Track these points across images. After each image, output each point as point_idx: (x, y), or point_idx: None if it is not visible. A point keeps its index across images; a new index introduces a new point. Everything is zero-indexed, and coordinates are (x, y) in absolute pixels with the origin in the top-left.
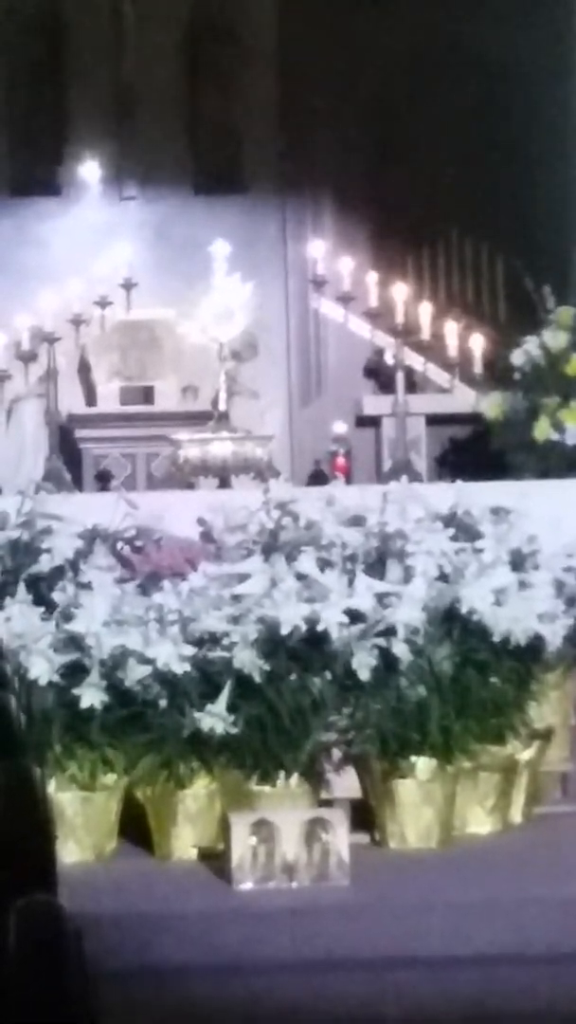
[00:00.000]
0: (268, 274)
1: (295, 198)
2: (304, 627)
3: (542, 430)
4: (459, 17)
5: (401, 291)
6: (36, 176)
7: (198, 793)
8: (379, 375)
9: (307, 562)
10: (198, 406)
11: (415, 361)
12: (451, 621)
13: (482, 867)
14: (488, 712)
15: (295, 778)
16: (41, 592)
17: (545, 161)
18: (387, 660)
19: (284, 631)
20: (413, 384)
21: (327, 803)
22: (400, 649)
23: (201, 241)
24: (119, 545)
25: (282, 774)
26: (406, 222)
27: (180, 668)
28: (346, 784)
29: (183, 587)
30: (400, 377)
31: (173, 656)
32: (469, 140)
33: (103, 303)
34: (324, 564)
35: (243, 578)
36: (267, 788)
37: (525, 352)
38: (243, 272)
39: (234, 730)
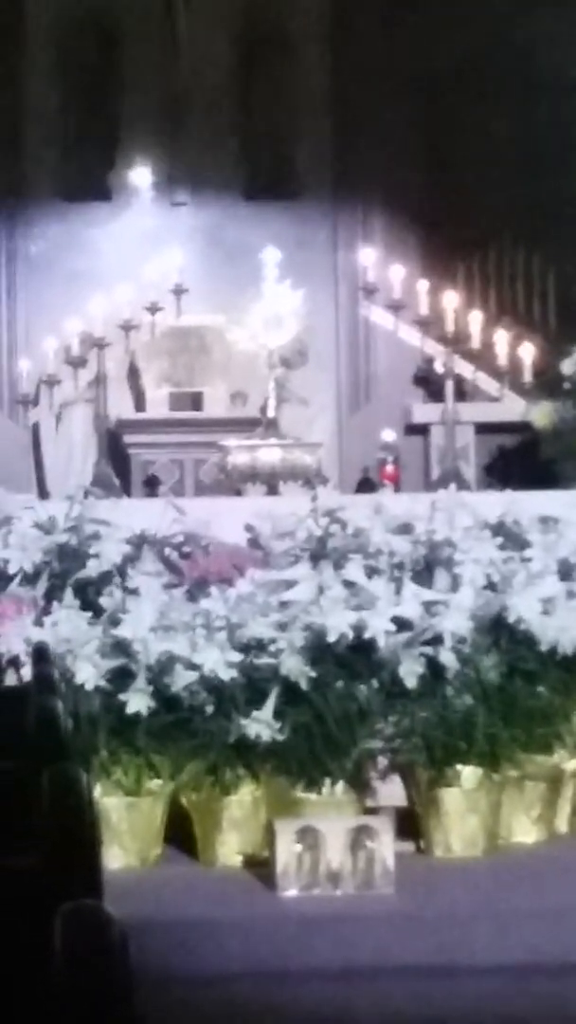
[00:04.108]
0: (318, 281)
1: (346, 205)
2: (351, 634)
3: None
4: (515, 24)
5: (451, 299)
6: (87, 181)
7: (243, 800)
8: (428, 383)
9: (355, 569)
10: (247, 413)
11: (465, 369)
12: (498, 630)
13: (527, 876)
14: (534, 721)
15: (341, 785)
16: (89, 597)
17: None
18: (434, 668)
19: (331, 638)
20: (463, 392)
21: (372, 811)
22: (447, 658)
23: (251, 247)
24: (167, 551)
25: (328, 781)
26: (457, 230)
27: (227, 674)
28: (391, 792)
29: (230, 593)
30: (450, 385)
31: (220, 662)
32: (522, 148)
33: (153, 309)
34: (372, 572)
35: (290, 585)
36: (313, 795)
37: (575, 361)
38: (293, 279)
39: (280, 737)
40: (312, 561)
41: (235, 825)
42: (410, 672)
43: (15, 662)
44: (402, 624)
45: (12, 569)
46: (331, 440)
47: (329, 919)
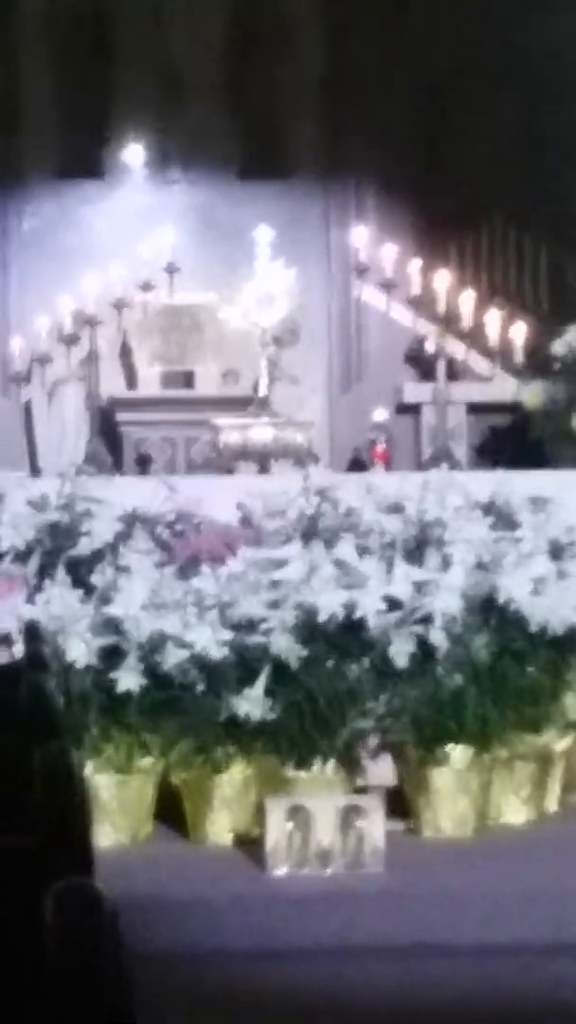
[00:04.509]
0: (310, 260)
1: (339, 184)
2: (342, 614)
3: None
4: (515, 8)
5: (443, 279)
6: (81, 159)
7: (234, 778)
8: (420, 363)
9: (346, 549)
10: (239, 391)
11: (456, 349)
12: (489, 610)
13: (517, 856)
14: (524, 701)
15: (331, 764)
16: (80, 575)
17: None
18: (424, 648)
19: (322, 617)
20: (454, 372)
21: (362, 790)
22: (437, 637)
23: (244, 226)
24: (158, 529)
25: (318, 760)
26: (450, 210)
27: (218, 653)
28: (382, 771)
29: (222, 572)
30: (441, 365)
31: (211, 641)
32: (515, 129)
33: (146, 287)
34: (363, 551)
35: (281, 564)
36: (303, 774)
37: (566, 342)
38: (286, 258)
39: (271, 716)
40: (303, 540)
41: (225, 803)
42: (400, 652)
43: (7, 640)
44: (393, 603)
45: (4, 547)
46: (322, 419)
47: (319, 898)
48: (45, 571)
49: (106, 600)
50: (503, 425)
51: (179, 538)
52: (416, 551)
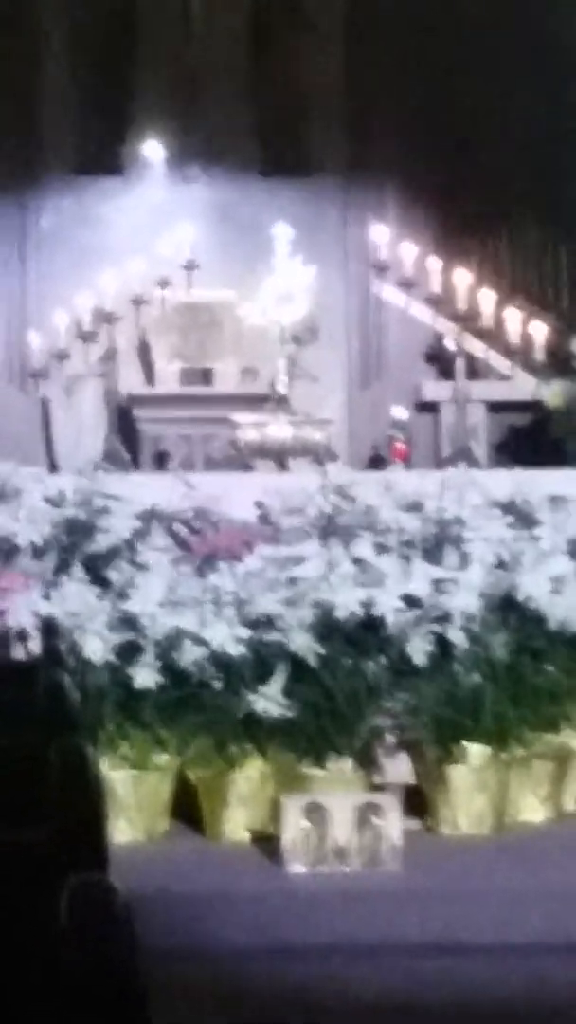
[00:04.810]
0: (329, 258)
1: (358, 182)
2: (360, 611)
3: None
4: (542, 8)
5: (463, 277)
6: (100, 155)
7: (250, 775)
8: (439, 361)
9: (364, 546)
10: (257, 389)
11: (476, 348)
12: (507, 608)
13: (534, 855)
14: (542, 700)
15: (348, 762)
16: (97, 571)
17: None
18: (442, 646)
19: (340, 615)
20: (474, 371)
21: (379, 788)
22: (456, 636)
23: (264, 223)
24: (176, 526)
25: (335, 758)
26: (470, 208)
27: (235, 650)
28: (399, 769)
29: (239, 569)
30: (461, 363)
31: (228, 638)
32: (536, 128)
33: (164, 284)
34: (381, 549)
35: (299, 561)
36: (320, 772)
37: None
38: (305, 255)
39: (288, 713)
40: (321, 538)
41: (242, 800)
42: (418, 650)
43: (24, 636)
44: (411, 602)
45: (21, 542)
46: (341, 417)
47: (335, 895)
48: (62, 567)
49: (123, 597)
50: (523, 424)
51: (197, 535)
52: (435, 549)
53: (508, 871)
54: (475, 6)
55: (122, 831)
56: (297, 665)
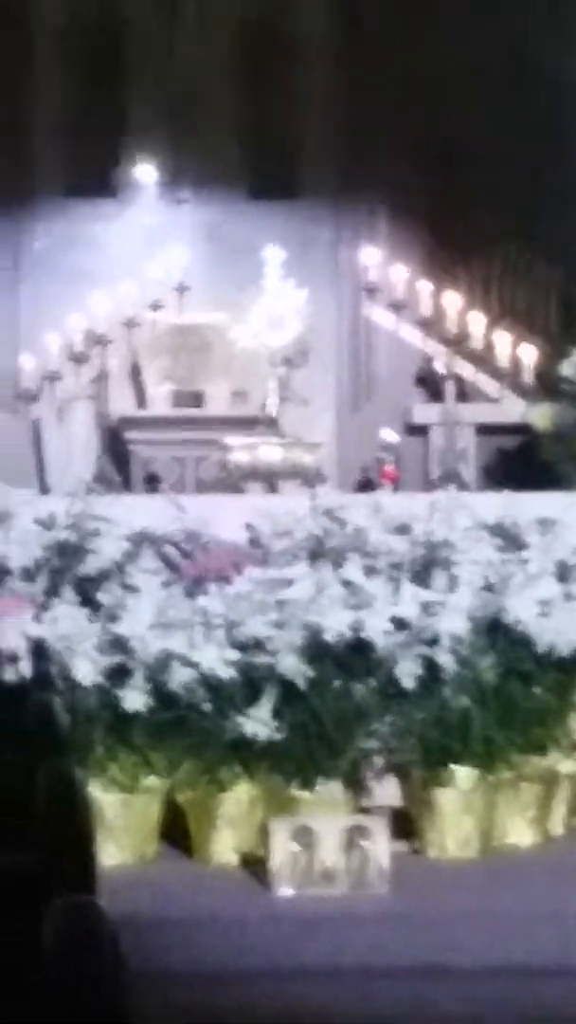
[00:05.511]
0: (320, 280)
1: (349, 204)
2: (349, 634)
3: None
4: (525, 29)
5: (453, 300)
6: (91, 178)
7: (239, 798)
8: (429, 384)
9: (353, 569)
10: (248, 411)
11: (465, 370)
12: (495, 631)
13: (522, 878)
14: (530, 723)
15: (336, 785)
16: (88, 594)
17: None
18: (431, 669)
19: (329, 637)
20: (463, 393)
21: (368, 811)
22: (444, 658)
23: (255, 246)
24: (166, 548)
25: (323, 780)
26: (460, 231)
27: (224, 672)
28: (387, 792)
29: (229, 591)
30: (450, 386)
31: (217, 660)
32: (526, 151)
33: (155, 306)
34: (370, 571)
35: (289, 584)
36: (308, 794)
37: (575, 363)
38: (296, 278)
39: (277, 736)
40: (311, 560)
41: (230, 823)
42: (407, 672)
43: (14, 658)
44: (400, 624)
45: (12, 565)
46: (331, 439)
47: (323, 918)
48: (53, 590)
49: (113, 619)
50: (512, 446)
51: (187, 557)
52: (423, 572)
53: (496, 894)
54: (465, 29)
55: (111, 854)
56: (286, 687)
